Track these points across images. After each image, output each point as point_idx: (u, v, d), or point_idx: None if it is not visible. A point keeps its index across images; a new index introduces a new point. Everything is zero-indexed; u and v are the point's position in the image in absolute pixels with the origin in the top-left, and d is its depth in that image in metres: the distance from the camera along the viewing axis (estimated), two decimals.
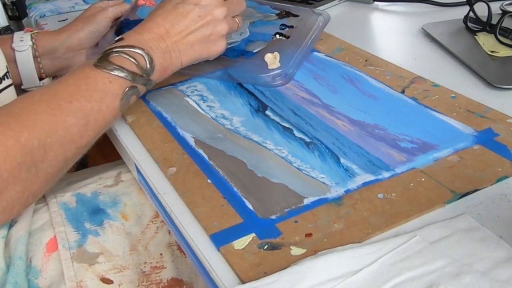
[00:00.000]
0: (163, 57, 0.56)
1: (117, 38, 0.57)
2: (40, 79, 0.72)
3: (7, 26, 1.01)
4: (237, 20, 0.64)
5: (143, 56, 0.54)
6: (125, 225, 0.57)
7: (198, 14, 0.58)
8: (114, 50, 0.53)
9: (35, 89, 0.53)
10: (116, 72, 0.52)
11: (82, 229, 0.56)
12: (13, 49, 0.68)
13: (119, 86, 0.53)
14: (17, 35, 0.70)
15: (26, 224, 0.55)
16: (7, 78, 0.59)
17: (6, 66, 0.59)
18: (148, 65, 0.54)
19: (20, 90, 0.72)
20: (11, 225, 0.55)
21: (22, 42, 0.69)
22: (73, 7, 1.04)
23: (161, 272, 0.57)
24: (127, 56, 0.53)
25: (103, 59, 0.53)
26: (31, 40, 0.69)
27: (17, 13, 1.09)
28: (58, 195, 0.60)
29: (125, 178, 0.62)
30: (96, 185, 0.61)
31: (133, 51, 0.54)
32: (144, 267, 0.56)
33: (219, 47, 0.61)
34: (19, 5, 1.08)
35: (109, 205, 0.59)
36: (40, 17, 1.01)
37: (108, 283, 0.54)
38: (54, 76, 0.74)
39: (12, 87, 0.59)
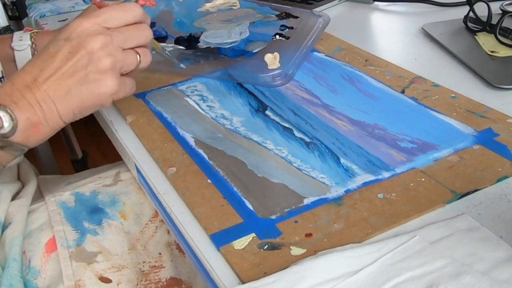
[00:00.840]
0: (30, 111, 0.46)
1: None
2: None
3: (7, 26, 1.00)
4: (137, 52, 0.50)
5: None
6: (124, 224, 0.57)
7: (68, 50, 0.47)
8: None
9: None
10: None
11: (81, 228, 0.56)
12: (12, 48, 0.68)
13: None
14: (17, 34, 0.70)
15: (21, 225, 0.55)
16: (1, 83, 0.58)
17: (1, 71, 0.58)
18: (6, 124, 0.45)
19: None
20: (5, 227, 0.55)
21: (21, 41, 0.69)
22: (73, 7, 1.04)
23: (160, 272, 0.57)
24: None
25: None
26: (30, 40, 0.69)
27: (17, 13, 1.09)
28: (57, 194, 0.60)
29: (124, 178, 0.62)
30: (95, 184, 0.61)
31: None
32: (143, 266, 0.56)
33: (106, 87, 0.48)
34: (19, 5, 1.08)
35: (108, 204, 0.59)
36: (40, 17, 1.01)
37: (107, 282, 0.54)
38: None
39: None
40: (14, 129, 0.45)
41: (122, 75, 0.50)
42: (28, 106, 0.46)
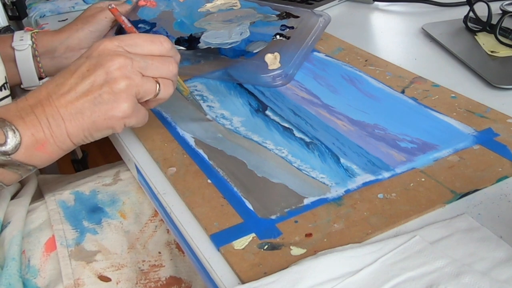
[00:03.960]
0: (36, 127, 0.44)
1: None
2: (40, 78, 0.72)
3: (7, 26, 1.00)
4: (157, 81, 0.48)
5: None
6: (123, 224, 0.58)
7: (87, 68, 0.45)
8: None
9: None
10: None
11: (80, 227, 0.56)
12: (13, 48, 0.68)
13: None
14: (17, 34, 0.70)
15: (20, 224, 0.55)
16: (5, 89, 0.58)
17: (5, 77, 0.58)
18: (9, 140, 0.43)
19: (20, 89, 0.72)
20: (4, 226, 0.55)
21: (22, 41, 0.69)
22: (73, 7, 1.04)
23: (159, 271, 0.57)
24: None
25: None
26: (31, 40, 0.69)
27: (17, 13, 1.09)
28: (57, 193, 0.60)
29: (124, 177, 0.62)
30: (95, 183, 0.61)
31: None
32: (143, 265, 0.56)
33: (119, 109, 0.45)
34: (19, 5, 1.08)
35: (108, 204, 0.59)
36: (40, 17, 1.01)
37: (106, 281, 0.54)
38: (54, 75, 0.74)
39: (9, 99, 0.58)
40: (17, 146, 0.43)
41: (139, 102, 0.48)
42: (35, 122, 0.44)
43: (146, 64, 0.47)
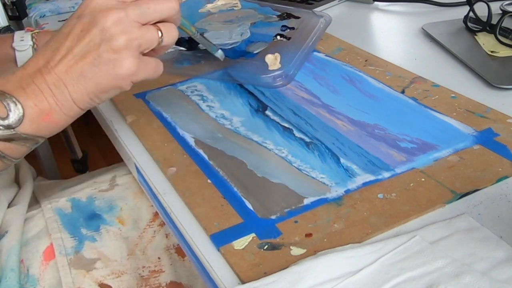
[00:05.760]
0: (39, 97, 0.42)
1: None
2: None
3: (7, 26, 1.00)
4: (158, 28, 0.44)
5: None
6: (122, 230, 0.57)
7: (80, 28, 0.43)
8: None
9: None
10: None
11: (79, 235, 0.56)
12: (14, 49, 0.68)
13: None
14: (18, 34, 0.70)
15: (18, 234, 0.54)
16: None
17: None
18: (11, 113, 0.41)
19: None
20: (1, 236, 0.54)
21: (23, 41, 0.69)
22: (73, 7, 1.04)
23: (159, 276, 0.56)
24: None
25: None
26: (32, 40, 0.69)
27: (17, 13, 1.09)
28: (53, 200, 0.59)
29: (120, 182, 0.61)
30: (91, 189, 0.61)
31: None
32: (143, 271, 0.56)
33: (122, 67, 0.42)
34: (19, 5, 1.08)
35: (105, 210, 0.58)
36: (40, 17, 1.01)
37: None
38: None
39: None
40: (20, 119, 0.41)
41: (144, 54, 0.45)
42: (37, 92, 0.42)
43: (141, 11, 0.43)
